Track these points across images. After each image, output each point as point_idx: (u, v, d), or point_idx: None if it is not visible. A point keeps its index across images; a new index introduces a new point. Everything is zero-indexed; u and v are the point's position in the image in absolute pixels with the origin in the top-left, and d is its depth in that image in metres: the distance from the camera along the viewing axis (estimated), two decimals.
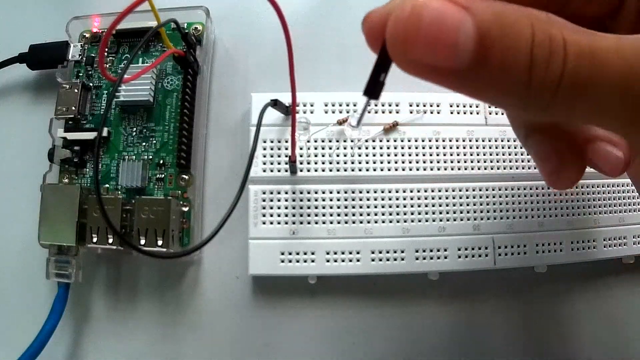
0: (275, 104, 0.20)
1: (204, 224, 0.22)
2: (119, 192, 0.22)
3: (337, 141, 0.21)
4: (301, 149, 0.21)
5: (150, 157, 0.22)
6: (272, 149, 0.21)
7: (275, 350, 0.21)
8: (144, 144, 0.22)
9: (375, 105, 0.22)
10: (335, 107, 0.22)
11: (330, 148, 0.21)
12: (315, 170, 0.21)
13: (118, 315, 0.22)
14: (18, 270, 0.23)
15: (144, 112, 0.22)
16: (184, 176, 0.22)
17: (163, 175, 0.22)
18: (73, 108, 0.22)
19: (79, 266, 0.21)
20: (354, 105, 0.22)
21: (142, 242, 0.20)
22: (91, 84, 0.23)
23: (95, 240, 0.20)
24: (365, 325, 0.21)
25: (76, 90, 0.22)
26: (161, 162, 0.22)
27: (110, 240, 0.20)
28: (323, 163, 0.21)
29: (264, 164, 0.21)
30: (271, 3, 0.13)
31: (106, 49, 0.23)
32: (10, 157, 0.24)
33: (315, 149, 0.21)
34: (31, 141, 0.24)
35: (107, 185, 0.22)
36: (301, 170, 0.21)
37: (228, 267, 0.22)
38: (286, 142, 0.21)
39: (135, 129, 0.22)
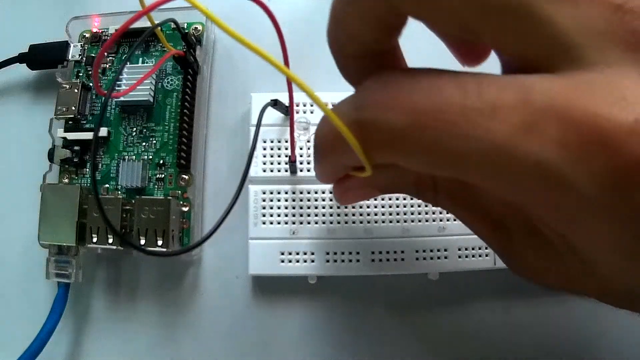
0: (275, 104, 0.20)
1: (204, 224, 0.22)
2: (119, 192, 0.22)
3: None
4: (301, 149, 0.21)
5: (150, 157, 0.22)
6: (272, 149, 0.21)
7: (275, 350, 0.21)
8: (144, 144, 0.22)
9: None
10: None
11: None
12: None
13: (118, 315, 0.22)
14: (18, 270, 0.23)
15: (144, 112, 0.22)
16: (184, 176, 0.22)
17: (163, 175, 0.22)
18: (73, 108, 0.22)
19: (79, 266, 0.21)
20: None
21: (142, 242, 0.20)
22: (91, 84, 0.23)
23: (95, 240, 0.20)
24: (365, 325, 0.21)
25: (76, 90, 0.22)
26: (161, 162, 0.22)
27: (110, 240, 0.20)
28: None
29: (264, 164, 0.21)
30: (259, 5, 0.13)
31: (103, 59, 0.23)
32: (10, 157, 0.24)
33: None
34: (31, 141, 0.24)
35: (107, 185, 0.22)
36: (301, 170, 0.21)
37: (228, 267, 0.22)
38: (286, 142, 0.21)
39: (135, 129, 0.22)
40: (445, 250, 0.20)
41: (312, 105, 0.21)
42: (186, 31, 0.22)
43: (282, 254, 0.20)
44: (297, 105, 0.21)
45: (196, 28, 0.23)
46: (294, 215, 0.21)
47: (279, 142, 0.21)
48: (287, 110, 0.21)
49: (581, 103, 0.08)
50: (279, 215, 0.21)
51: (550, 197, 0.09)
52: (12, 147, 0.24)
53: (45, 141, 0.22)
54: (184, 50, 0.22)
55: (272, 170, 0.21)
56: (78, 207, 0.21)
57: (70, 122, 0.23)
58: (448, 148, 0.09)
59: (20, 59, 0.24)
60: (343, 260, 0.20)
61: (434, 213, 0.21)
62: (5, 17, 0.26)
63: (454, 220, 0.21)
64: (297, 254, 0.20)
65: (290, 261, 0.20)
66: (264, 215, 0.21)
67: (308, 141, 0.21)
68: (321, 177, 0.15)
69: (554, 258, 0.11)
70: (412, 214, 0.21)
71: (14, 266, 0.23)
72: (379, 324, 0.21)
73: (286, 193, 0.21)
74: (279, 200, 0.21)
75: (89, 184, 0.22)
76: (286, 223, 0.20)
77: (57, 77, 0.23)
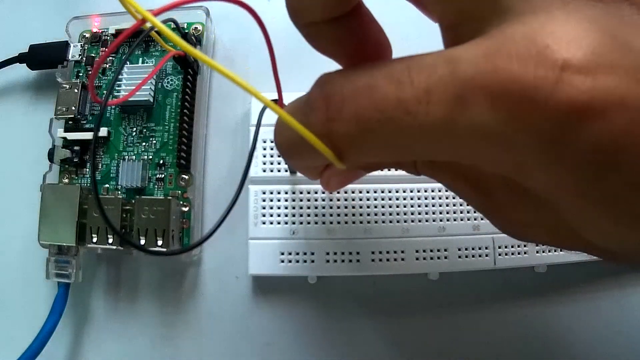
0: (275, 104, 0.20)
1: (204, 224, 0.22)
2: (119, 192, 0.22)
3: None
4: None
5: (150, 157, 0.22)
6: (272, 149, 0.21)
7: (275, 350, 0.21)
8: (144, 144, 0.22)
9: None
10: None
11: None
12: None
13: (118, 315, 0.22)
14: (18, 270, 0.23)
15: (144, 112, 0.22)
16: (184, 176, 0.22)
17: (163, 175, 0.22)
18: (73, 108, 0.22)
19: (79, 266, 0.21)
20: None
21: (142, 242, 0.20)
22: None
23: (95, 240, 0.20)
24: (365, 325, 0.21)
25: (76, 90, 0.22)
26: (161, 162, 0.22)
27: (110, 240, 0.20)
28: None
29: (264, 164, 0.21)
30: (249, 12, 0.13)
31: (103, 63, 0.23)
32: (10, 157, 0.24)
33: None
34: (31, 141, 0.24)
35: (107, 185, 0.22)
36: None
37: (228, 267, 0.22)
38: None
39: (135, 129, 0.22)
40: (445, 250, 0.20)
41: None
42: (186, 31, 0.22)
43: (282, 254, 0.20)
44: None
45: (196, 28, 0.23)
46: (293, 215, 0.21)
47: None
48: None
49: (504, 64, 0.08)
50: (278, 215, 0.21)
51: (501, 157, 0.09)
52: (12, 147, 0.24)
53: (45, 141, 0.22)
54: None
55: (272, 171, 0.21)
56: (78, 207, 0.21)
57: (70, 122, 0.23)
58: (400, 142, 0.09)
59: (20, 59, 0.24)
60: (343, 260, 0.20)
61: (434, 213, 0.21)
62: (5, 17, 0.26)
63: (454, 220, 0.21)
64: (297, 254, 0.20)
65: (290, 261, 0.20)
66: (263, 215, 0.21)
67: None
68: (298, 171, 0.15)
69: (532, 212, 0.11)
70: (412, 214, 0.21)
71: (14, 266, 0.23)
72: (379, 324, 0.21)
73: (286, 193, 0.21)
74: (278, 200, 0.21)
75: (89, 184, 0.22)
76: (286, 223, 0.20)
77: (57, 77, 0.23)
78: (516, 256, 0.21)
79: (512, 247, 0.21)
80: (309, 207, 0.21)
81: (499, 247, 0.21)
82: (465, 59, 0.08)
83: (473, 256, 0.20)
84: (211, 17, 0.23)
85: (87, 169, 0.22)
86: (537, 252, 0.21)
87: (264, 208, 0.21)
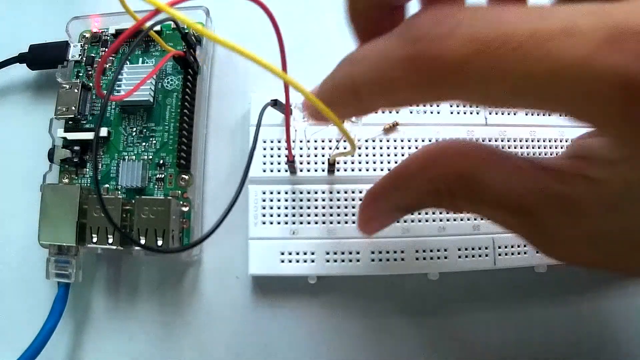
0: (275, 103, 0.20)
1: (204, 224, 0.22)
2: (119, 192, 0.22)
3: (338, 141, 0.21)
4: (301, 149, 0.21)
5: (150, 157, 0.22)
6: (272, 148, 0.21)
7: (275, 350, 0.21)
8: (144, 144, 0.22)
9: None
10: None
11: (330, 148, 0.21)
12: (315, 170, 0.21)
13: (118, 315, 0.22)
14: (18, 270, 0.23)
15: (144, 112, 0.22)
16: (184, 176, 0.22)
17: (163, 175, 0.22)
18: (73, 108, 0.22)
19: (79, 266, 0.21)
20: None
21: (142, 242, 0.20)
22: (91, 84, 0.23)
23: (95, 240, 0.20)
24: (365, 325, 0.21)
25: (76, 90, 0.22)
26: (161, 162, 0.22)
27: (110, 240, 0.20)
28: (323, 163, 0.21)
29: (264, 163, 0.21)
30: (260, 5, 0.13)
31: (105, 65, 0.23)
32: (10, 157, 0.24)
33: (315, 149, 0.21)
34: (31, 141, 0.24)
35: (107, 185, 0.22)
36: (301, 170, 0.21)
37: (228, 267, 0.22)
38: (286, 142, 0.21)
39: (135, 129, 0.22)
40: (445, 250, 0.20)
41: None
42: (186, 31, 0.22)
43: (282, 254, 0.20)
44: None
45: None
46: (293, 215, 0.21)
47: (279, 142, 0.21)
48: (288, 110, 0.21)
49: None
50: (278, 215, 0.21)
51: (630, 113, 0.08)
52: (12, 147, 0.24)
53: (45, 141, 0.22)
54: (184, 50, 0.22)
55: (272, 170, 0.21)
56: (78, 207, 0.21)
57: (70, 122, 0.23)
58: (519, 73, 0.09)
59: (20, 59, 0.24)
60: (343, 260, 0.20)
61: (433, 213, 0.21)
62: (5, 17, 0.26)
63: (454, 220, 0.21)
64: (297, 254, 0.20)
65: (290, 261, 0.20)
66: (264, 215, 0.21)
67: (308, 141, 0.21)
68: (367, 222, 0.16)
69: (592, 230, 0.10)
70: (412, 214, 0.20)
71: (14, 266, 0.23)
72: (379, 325, 0.21)
73: (286, 193, 0.21)
74: (278, 201, 0.21)
75: (89, 184, 0.22)
76: (286, 223, 0.20)
77: (57, 77, 0.23)
78: (516, 256, 0.21)
79: (512, 247, 0.21)
80: (309, 207, 0.21)
81: (499, 247, 0.21)
82: (620, 9, 0.08)
83: (473, 256, 0.20)
84: (211, 17, 0.23)
85: (87, 169, 0.22)
86: (537, 252, 0.21)
87: (264, 208, 0.21)
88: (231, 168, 0.23)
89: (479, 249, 0.20)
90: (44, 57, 0.24)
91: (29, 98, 0.25)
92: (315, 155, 0.21)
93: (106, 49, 0.23)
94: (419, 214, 0.21)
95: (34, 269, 0.22)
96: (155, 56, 0.23)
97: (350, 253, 0.20)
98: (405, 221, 0.20)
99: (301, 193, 0.21)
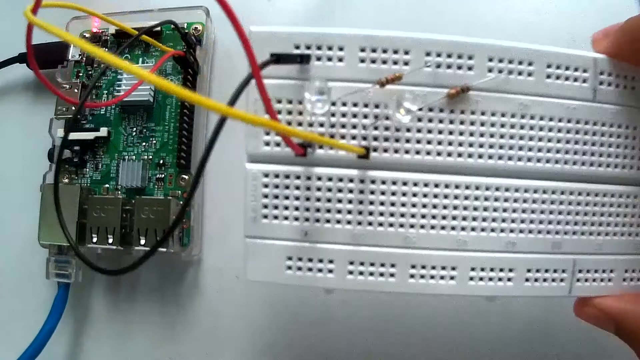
0: (277, 60, 0.14)
1: (204, 224, 0.22)
2: (119, 192, 0.22)
3: (376, 112, 0.14)
4: (313, 125, 0.14)
5: (150, 157, 0.22)
6: (280, 112, 0.14)
7: (275, 350, 0.21)
8: (144, 144, 0.22)
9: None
10: (377, 55, 0.14)
11: (365, 118, 0.14)
12: (339, 151, 0.14)
13: (118, 315, 0.22)
14: (18, 270, 0.23)
15: (144, 112, 0.22)
16: (184, 176, 0.22)
17: (163, 175, 0.22)
18: (73, 108, 0.22)
19: (79, 266, 0.21)
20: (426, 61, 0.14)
21: (142, 242, 0.20)
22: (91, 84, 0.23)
23: (95, 240, 0.20)
24: (373, 328, 0.21)
25: (76, 90, 0.22)
26: (161, 162, 0.22)
27: (110, 240, 0.20)
28: (353, 139, 0.14)
29: (267, 134, 0.15)
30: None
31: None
32: (10, 157, 0.24)
33: (343, 117, 0.14)
34: (31, 141, 0.24)
35: (107, 185, 0.22)
36: (321, 147, 0.14)
37: (228, 267, 0.22)
38: (300, 103, 0.14)
39: (135, 129, 0.22)
40: (511, 271, 0.15)
41: (341, 50, 0.14)
42: (186, 31, 0.22)
43: (290, 259, 0.15)
44: (309, 48, 0.14)
45: (196, 28, 0.23)
46: (307, 210, 0.15)
47: (291, 103, 0.14)
48: (305, 59, 0.14)
49: None
50: (286, 208, 0.15)
51: None
52: (12, 147, 0.24)
53: (45, 141, 0.22)
54: (184, 50, 0.22)
55: (278, 145, 0.15)
56: (78, 207, 0.21)
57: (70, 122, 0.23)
58: None
59: (20, 59, 0.24)
60: (372, 274, 0.15)
61: (503, 221, 0.15)
62: (5, 17, 0.26)
63: (530, 232, 0.15)
64: (310, 260, 0.15)
65: (300, 269, 0.15)
66: (266, 207, 0.15)
67: (332, 114, 0.15)
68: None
69: None
70: (473, 219, 0.15)
71: (14, 266, 0.23)
72: (393, 332, 0.21)
73: (298, 178, 0.15)
74: (287, 188, 0.15)
75: (89, 184, 0.22)
76: (296, 219, 0.15)
77: (57, 77, 0.23)
78: (599, 284, 0.15)
79: (597, 272, 0.15)
80: (328, 200, 0.15)
81: (580, 272, 0.15)
82: None
83: (545, 280, 0.15)
84: (211, 17, 0.23)
85: (87, 169, 0.22)
86: (625, 280, 0.16)
87: (266, 197, 0.15)
88: (231, 168, 0.23)
89: (554, 272, 0.15)
90: (44, 57, 0.24)
91: (29, 98, 0.25)
92: (343, 128, 0.14)
93: (106, 48, 0.23)
94: (483, 220, 0.15)
95: (34, 269, 0.22)
96: (155, 56, 0.23)
97: (382, 266, 0.15)
98: (463, 229, 0.15)
99: (319, 179, 0.15)
